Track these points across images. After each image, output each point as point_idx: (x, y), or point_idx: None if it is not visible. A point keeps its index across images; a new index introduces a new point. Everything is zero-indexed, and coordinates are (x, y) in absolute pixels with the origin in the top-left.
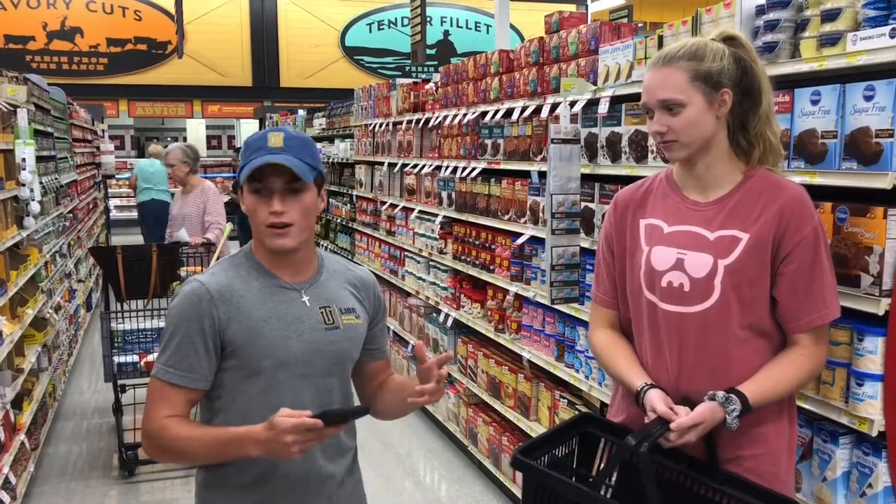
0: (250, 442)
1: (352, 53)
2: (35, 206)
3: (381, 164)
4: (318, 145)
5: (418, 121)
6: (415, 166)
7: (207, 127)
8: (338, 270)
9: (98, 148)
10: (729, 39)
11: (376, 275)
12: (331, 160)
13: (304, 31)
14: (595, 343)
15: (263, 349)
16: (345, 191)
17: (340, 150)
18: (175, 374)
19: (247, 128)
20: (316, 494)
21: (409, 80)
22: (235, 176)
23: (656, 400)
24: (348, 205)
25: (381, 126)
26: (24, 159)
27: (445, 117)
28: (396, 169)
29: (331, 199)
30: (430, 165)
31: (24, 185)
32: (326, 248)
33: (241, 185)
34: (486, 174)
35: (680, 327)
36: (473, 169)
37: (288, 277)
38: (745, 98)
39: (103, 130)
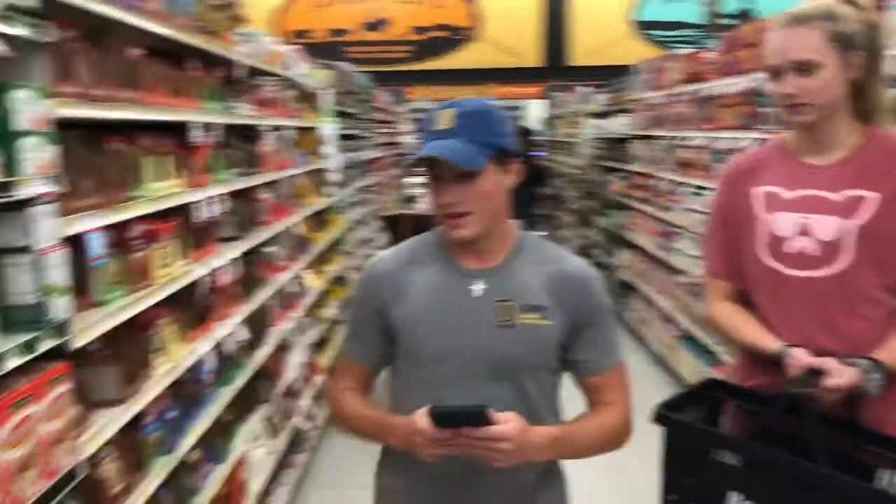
0: (394, 433)
1: (642, 28)
2: (335, 177)
3: (656, 137)
4: (596, 121)
5: (694, 92)
6: (688, 139)
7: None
8: (539, 260)
9: (398, 129)
10: (851, 3)
11: (645, 252)
12: (609, 136)
13: (595, 7)
14: (716, 315)
15: (420, 339)
16: (621, 166)
17: (618, 125)
18: (350, 349)
19: (535, 108)
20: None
21: (688, 50)
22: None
23: (803, 354)
24: (625, 180)
25: (657, 99)
26: (326, 136)
27: (721, 87)
28: (671, 142)
29: (608, 176)
30: (704, 137)
31: (327, 158)
32: (600, 225)
33: None
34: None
35: (808, 291)
36: (747, 140)
37: (469, 263)
38: (871, 62)
39: (404, 112)
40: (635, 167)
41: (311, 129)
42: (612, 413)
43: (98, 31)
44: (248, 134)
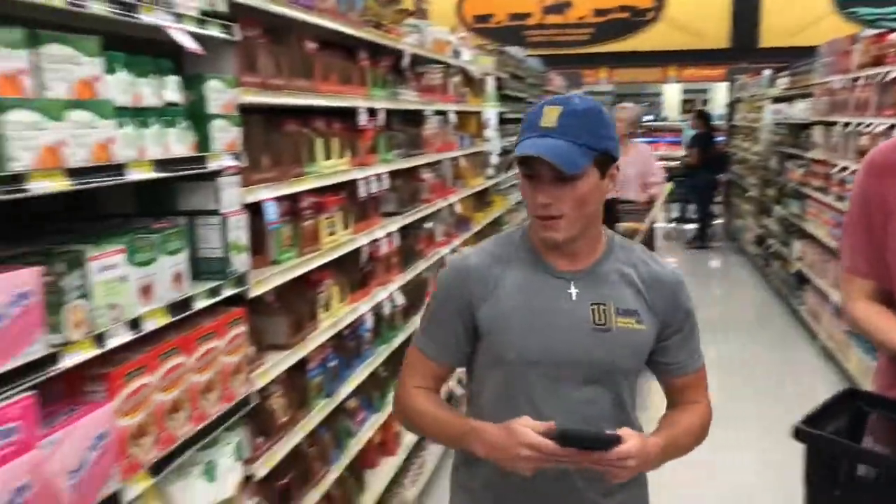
0: (479, 439)
1: (845, 6)
2: (495, 160)
3: (835, 123)
4: (777, 106)
5: (876, 76)
6: (868, 125)
7: (683, 91)
8: (629, 263)
9: None
10: None
11: (820, 243)
12: (789, 121)
13: None
14: (856, 314)
15: (509, 340)
16: (800, 153)
17: (798, 110)
18: (427, 344)
19: (719, 92)
20: None
21: (874, 32)
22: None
23: None
24: (803, 168)
25: (838, 83)
26: (488, 119)
27: None
28: (850, 129)
29: (786, 163)
30: (885, 125)
31: (488, 140)
32: (777, 214)
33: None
34: None
35: None
36: None
37: (559, 265)
38: None
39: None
40: (814, 154)
41: (475, 113)
42: (699, 413)
43: (278, 28)
44: (412, 118)
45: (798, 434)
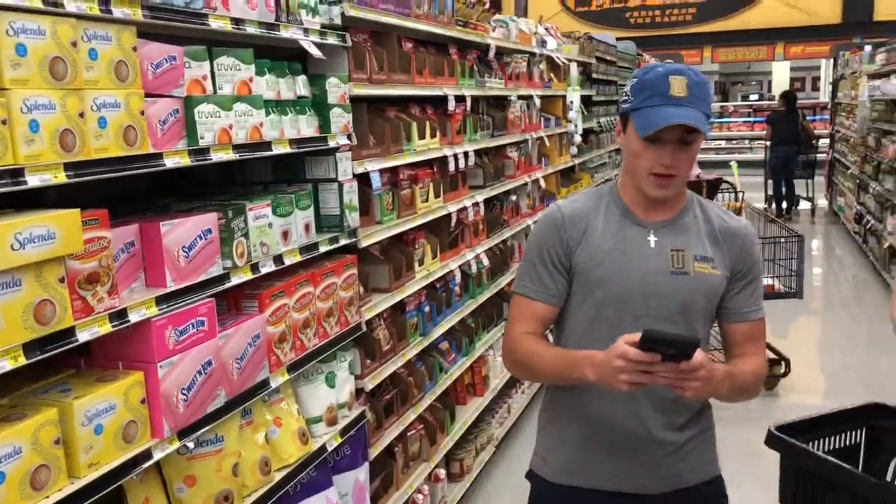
0: (588, 364)
1: None
2: (577, 139)
3: None
4: (874, 83)
5: None
6: None
7: (792, 69)
8: (706, 217)
9: None
10: None
11: None
12: (885, 97)
13: None
14: None
15: (599, 278)
16: (892, 128)
17: (893, 85)
18: (530, 289)
19: (825, 69)
20: (642, 457)
21: None
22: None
23: None
24: None
25: None
26: (571, 102)
27: None
28: None
29: (882, 139)
30: None
31: (571, 122)
32: (873, 191)
33: (626, 122)
34: None
35: None
36: None
37: (644, 216)
38: None
39: None
40: None
41: (560, 97)
42: (756, 362)
43: (381, 33)
44: (498, 103)
45: (769, 439)
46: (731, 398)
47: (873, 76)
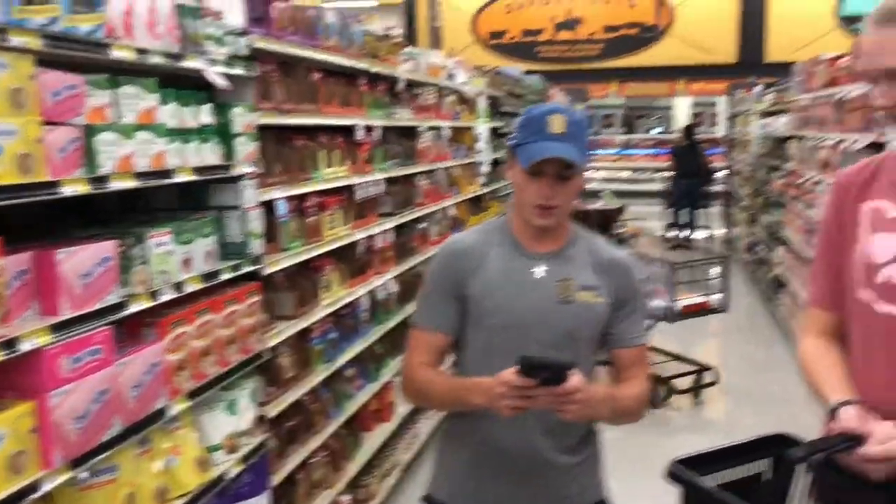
0: (476, 391)
1: (849, 22)
2: (486, 168)
3: (804, 137)
4: (764, 121)
5: (829, 96)
6: (825, 140)
7: (693, 104)
8: (589, 249)
9: None
10: None
11: (794, 248)
12: (772, 134)
13: (795, 3)
14: (800, 353)
15: (491, 308)
16: (780, 164)
17: (780, 124)
18: (426, 319)
19: (722, 105)
20: (533, 480)
21: (831, 55)
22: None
23: (849, 416)
24: (783, 179)
25: (806, 101)
26: (479, 133)
27: (848, 91)
28: (813, 143)
29: (770, 174)
30: (836, 140)
31: (479, 152)
32: (763, 222)
33: (513, 156)
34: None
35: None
36: (855, 141)
37: (531, 247)
38: None
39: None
40: (789, 166)
41: (469, 128)
42: (638, 385)
43: (289, 64)
44: (408, 133)
45: (671, 474)
46: (615, 420)
47: (763, 114)
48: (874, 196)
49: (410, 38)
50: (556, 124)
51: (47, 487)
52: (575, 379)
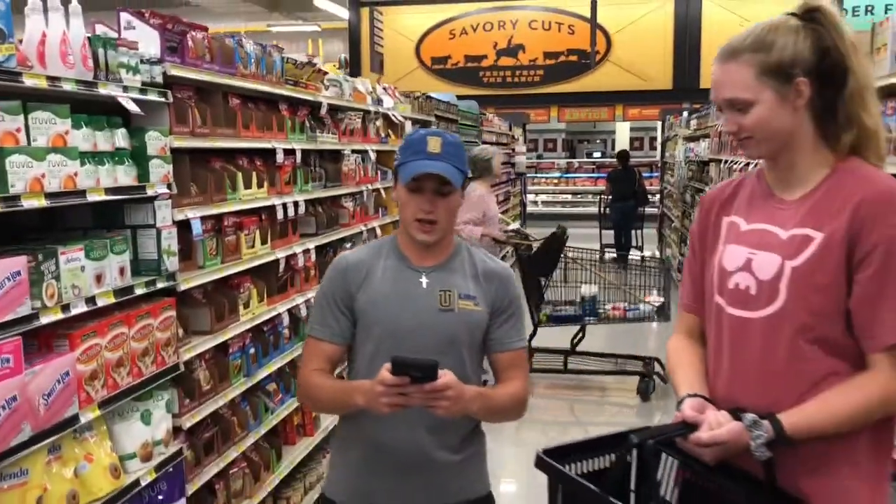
0: (358, 391)
1: None
2: None
3: (721, 160)
4: (689, 145)
5: None
6: (735, 163)
7: (633, 129)
8: (470, 262)
9: (514, 150)
10: (811, 12)
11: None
12: (695, 159)
13: (728, 32)
14: (668, 349)
15: (377, 318)
16: (702, 187)
17: (702, 148)
18: (318, 330)
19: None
20: (418, 475)
21: None
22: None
23: (688, 405)
24: None
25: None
26: None
27: None
28: (725, 166)
29: (695, 196)
30: (743, 163)
31: None
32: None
33: (397, 177)
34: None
35: (740, 333)
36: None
37: (416, 261)
38: (827, 81)
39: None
40: (712, 188)
41: (394, 151)
42: (517, 387)
43: (206, 90)
44: (333, 156)
45: (538, 463)
46: (492, 418)
47: (688, 139)
48: (732, 212)
49: (354, 62)
50: (433, 145)
51: None
52: (446, 377)
